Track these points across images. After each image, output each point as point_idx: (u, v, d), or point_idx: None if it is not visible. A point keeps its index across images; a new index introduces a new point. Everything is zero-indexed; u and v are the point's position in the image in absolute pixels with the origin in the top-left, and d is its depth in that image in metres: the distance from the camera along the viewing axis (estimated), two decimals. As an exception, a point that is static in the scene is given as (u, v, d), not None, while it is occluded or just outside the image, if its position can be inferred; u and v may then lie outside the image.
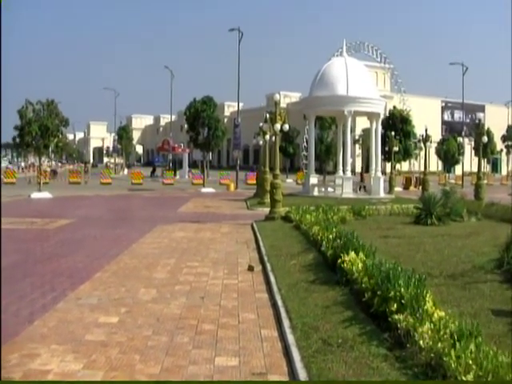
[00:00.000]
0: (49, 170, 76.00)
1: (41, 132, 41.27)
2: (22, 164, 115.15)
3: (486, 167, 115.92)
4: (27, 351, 8.11)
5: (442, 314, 7.63)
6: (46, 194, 41.32)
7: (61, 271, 14.05)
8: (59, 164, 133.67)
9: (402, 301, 8.02)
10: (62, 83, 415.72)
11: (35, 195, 40.92)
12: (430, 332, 6.99)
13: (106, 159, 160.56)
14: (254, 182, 50.95)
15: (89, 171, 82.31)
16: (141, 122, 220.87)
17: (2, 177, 60.03)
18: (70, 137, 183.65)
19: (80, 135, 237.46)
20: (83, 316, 9.96)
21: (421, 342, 6.85)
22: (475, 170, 50.40)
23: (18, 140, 42.51)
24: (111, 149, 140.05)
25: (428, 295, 8.25)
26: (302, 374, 6.85)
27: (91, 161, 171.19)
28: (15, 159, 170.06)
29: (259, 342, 8.59)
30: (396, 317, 7.72)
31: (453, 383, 6.05)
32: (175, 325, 9.48)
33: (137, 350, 8.20)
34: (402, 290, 8.19)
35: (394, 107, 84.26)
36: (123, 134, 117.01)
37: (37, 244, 18.64)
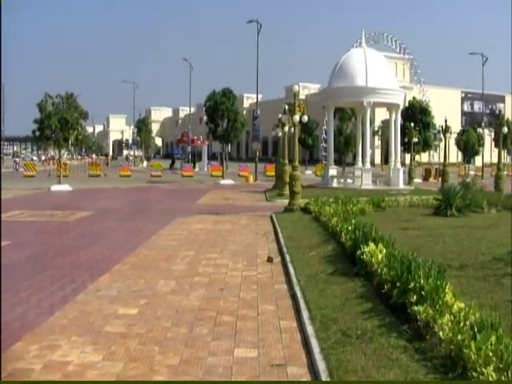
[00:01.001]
0: (68, 162, 76.20)
1: (60, 125, 41.40)
2: (43, 157, 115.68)
3: (507, 158, 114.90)
4: (47, 342, 8.15)
5: (462, 305, 7.57)
6: (65, 187, 41.49)
7: (80, 263, 14.12)
8: (79, 157, 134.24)
9: (422, 292, 7.97)
10: (81, 76, 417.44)
11: (55, 188, 41.09)
12: (449, 323, 6.94)
13: (125, 152, 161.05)
14: (273, 173, 50.83)
15: (109, 164, 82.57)
16: (160, 115, 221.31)
17: (22, 170, 60.34)
18: (90, 130, 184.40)
19: (99, 128, 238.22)
20: (102, 308, 10.00)
21: (440, 334, 6.81)
22: (495, 161, 49.92)
23: (37, 133, 42.69)
24: (130, 141, 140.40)
25: (448, 287, 8.19)
26: (321, 366, 6.83)
27: (110, 153, 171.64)
28: (35, 152, 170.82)
29: (278, 334, 8.59)
30: (415, 308, 7.67)
31: (457, 383, 6.03)
32: (194, 316, 9.49)
33: (156, 342, 8.22)
34: (422, 281, 8.14)
35: (414, 98, 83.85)
36: (142, 126, 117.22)
37: (56, 236, 18.73)
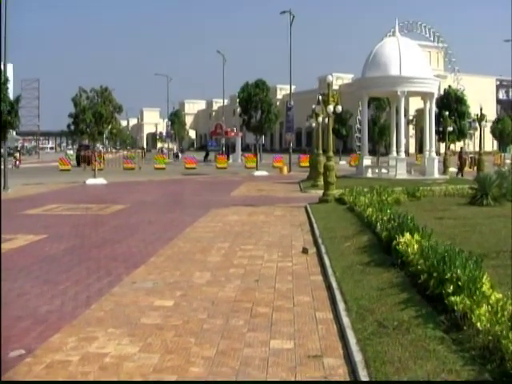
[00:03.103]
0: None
1: (95, 119, 41.61)
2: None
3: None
4: (85, 334, 8.22)
5: (500, 295, 7.49)
6: (100, 180, 41.73)
7: (116, 256, 14.21)
8: (113, 150, 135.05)
9: (459, 282, 7.89)
10: (115, 70, 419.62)
11: (90, 181, 41.36)
12: (487, 314, 6.87)
13: (159, 145, 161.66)
14: (307, 164, 50.70)
15: (145, 157, 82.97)
16: (193, 107, 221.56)
17: (58, 164, 60.81)
18: (124, 123, 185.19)
19: (133, 122, 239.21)
20: (139, 300, 10.05)
21: (478, 325, 6.74)
22: (532, 149, 49.36)
23: (72, 127, 42.98)
24: (164, 134, 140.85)
25: (485, 277, 8.09)
26: (358, 357, 6.80)
27: (145, 146, 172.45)
28: (71, 146, 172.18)
29: (314, 325, 8.57)
30: (452, 299, 7.60)
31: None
32: (230, 308, 9.51)
33: (192, 333, 8.25)
34: (459, 271, 8.05)
35: (449, 86, 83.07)
36: (176, 119, 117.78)
37: (92, 229, 18.88)
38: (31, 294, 10.57)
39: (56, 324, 8.71)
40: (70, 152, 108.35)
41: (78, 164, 66.31)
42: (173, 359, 7.26)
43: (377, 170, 42.51)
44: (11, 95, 31.06)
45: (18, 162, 61.48)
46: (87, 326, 8.59)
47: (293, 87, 67.32)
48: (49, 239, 16.82)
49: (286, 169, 55.13)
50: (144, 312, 9.30)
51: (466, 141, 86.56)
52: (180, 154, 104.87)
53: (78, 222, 20.49)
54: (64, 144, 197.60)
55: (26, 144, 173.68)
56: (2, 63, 35.81)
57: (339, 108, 28.55)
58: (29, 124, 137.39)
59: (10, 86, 33.99)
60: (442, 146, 69.90)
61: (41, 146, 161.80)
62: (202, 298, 10.16)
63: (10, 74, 41.29)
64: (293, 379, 6.65)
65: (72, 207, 25.44)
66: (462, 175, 45.72)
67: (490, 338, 6.40)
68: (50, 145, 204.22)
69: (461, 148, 54.76)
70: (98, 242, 16.44)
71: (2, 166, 35.26)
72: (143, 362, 7.16)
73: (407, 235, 11.08)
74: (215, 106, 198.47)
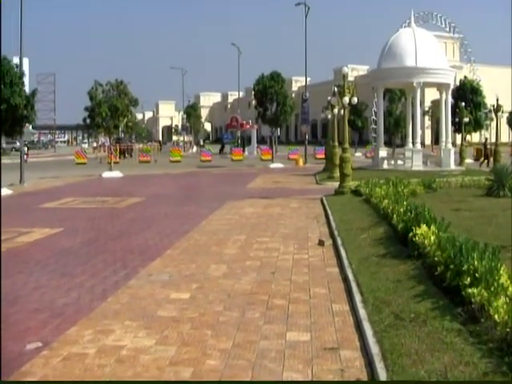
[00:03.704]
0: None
1: (110, 112, 41.74)
2: (94, 144, 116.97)
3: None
4: (101, 327, 8.25)
5: (518, 287, 7.45)
6: (116, 173, 41.86)
7: (132, 248, 14.25)
8: (128, 143, 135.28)
9: (476, 274, 7.83)
10: (130, 64, 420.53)
11: (106, 174, 41.49)
12: (505, 306, 6.81)
13: (174, 137, 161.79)
14: (323, 156, 50.65)
15: (161, 150, 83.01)
16: (209, 100, 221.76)
17: (74, 157, 60.96)
18: (139, 116, 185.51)
19: (149, 114, 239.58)
20: (155, 292, 10.07)
21: (496, 317, 6.69)
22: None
23: (88, 121, 43.08)
24: (180, 127, 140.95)
25: (502, 268, 8.04)
26: (375, 349, 6.78)
27: (160, 139, 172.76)
28: (86, 140, 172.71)
29: (331, 317, 8.56)
30: (470, 291, 7.55)
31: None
32: (246, 300, 9.50)
33: (208, 326, 8.26)
34: (476, 263, 8.00)
35: (465, 77, 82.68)
36: (191, 112, 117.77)
37: (108, 222, 18.93)
38: (48, 286, 10.62)
39: (73, 317, 8.74)
40: (85, 146, 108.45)
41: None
42: (189, 352, 7.27)
43: (392, 162, 42.32)
44: (27, 89, 31.12)
45: (26, 157, 61.49)
46: (104, 319, 8.61)
47: (308, 79, 67.18)
48: (65, 232, 16.88)
49: (301, 161, 55.07)
50: (160, 305, 9.31)
51: (482, 131, 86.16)
52: (195, 147, 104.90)
53: (94, 215, 20.55)
54: (80, 137, 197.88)
55: (42, 138, 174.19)
56: (18, 57, 35.99)
57: (355, 99, 28.45)
58: (44, 118, 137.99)
59: (26, 80, 34.11)
60: (458, 137, 69.63)
61: (56, 139, 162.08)
62: (218, 290, 10.17)
63: (25, 68, 41.43)
64: (309, 372, 6.63)
65: (88, 200, 25.52)
66: (488, 165, 45.34)
67: (508, 330, 6.35)
68: (65, 138, 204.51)
69: (485, 139, 54.54)
70: (114, 234, 16.49)
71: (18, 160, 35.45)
72: (160, 355, 7.17)
73: (424, 227, 11.02)
74: (230, 99, 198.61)
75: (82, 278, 11.27)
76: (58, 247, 14.57)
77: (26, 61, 59.40)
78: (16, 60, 34.45)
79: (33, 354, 7.25)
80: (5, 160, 35.58)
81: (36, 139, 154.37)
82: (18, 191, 30.28)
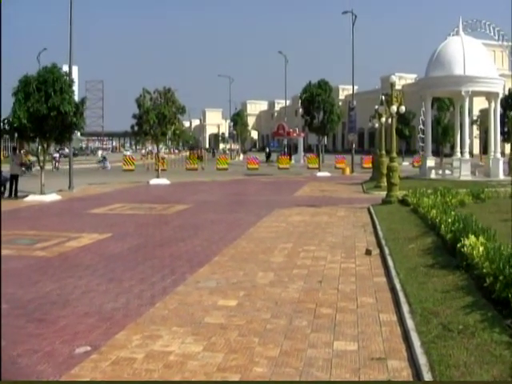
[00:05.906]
0: (166, 157, 77.51)
1: (158, 120, 42.01)
2: (143, 151, 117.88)
3: None
4: (149, 332, 8.31)
5: None
6: (163, 181, 42.10)
7: (180, 255, 14.33)
8: (176, 151, 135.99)
9: (526, 286, 7.76)
10: (178, 71, 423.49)
11: (154, 181, 41.79)
12: (556, 318, 6.74)
13: (221, 145, 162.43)
14: (370, 165, 50.44)
15: (208, 158, 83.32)
16: (255, 108, 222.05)
17: (122, 164, 61.51)
18: (187, 124, 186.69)
19: (196, 122, 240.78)
20: (202, 299, 10.12)
21: (546, 329, 6.62)
22: None
23: (136, 128, 43.46)
24: (227, 135, 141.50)
25: (554, 280, 7.95)
26: (422, 360, 6.73)
27: (207, 147, 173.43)
28: (134, 147, 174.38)
29: (378, 327, 8.52)
30: (520, 302, 7.48)
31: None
32: (293, 308, 9.50)
33: (256, 333, 8.27)
34: (526, 274, 7.92)
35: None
36: (238, 119, 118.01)
37: (156, 228, 19.07)
38: (97, 291, 10.74)
39: (121, 321, 8.83)
40: (128, 153, 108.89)
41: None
42: (236, 359, 7.29)
43: (440, 171, 41.95)
44: (76, 97, 31.49)
45: (57, 164, 61.96)
46: (152, 324, 8.68)
47: (355, 87, 66.92)
48: (113, 238, 17.06)
49: (348, 170, 54.90)
50: (208, 311, 9.36)
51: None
52: (242, 155, 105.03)
53: (142, 222, 20.73)
54: (128, 144, 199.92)
55: (90, 144, 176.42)
56: (68, 65, 36.51)
57: (403, 108, 28.27)
58: (93, 125, 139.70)
59: (76, 87, 34.57)
60: (507, 146, 68.70)
61: (104, 146, 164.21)
62: (265, 298, 10.18)
63: (75, 75, 41.94)
64: (357, 380, 6.62)
65: (136, 207, 25.75)
66: None
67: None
68: (113, 144, 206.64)
69: None
70: (162, 241, 16.60)
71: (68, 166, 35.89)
72: (207, 361, 7.21)
73: (472, 237, 10.91)
74: (277, 107, 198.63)
75: (131, 283, 11.38)
76: (107, 252, 14.73)
77: (75, 69, 60.12)
78: (66, 68, 34.96)
79: (82, 358, 7.33)
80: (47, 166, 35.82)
81: (84, 145, 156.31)
82: (66, 197, 30.69)
